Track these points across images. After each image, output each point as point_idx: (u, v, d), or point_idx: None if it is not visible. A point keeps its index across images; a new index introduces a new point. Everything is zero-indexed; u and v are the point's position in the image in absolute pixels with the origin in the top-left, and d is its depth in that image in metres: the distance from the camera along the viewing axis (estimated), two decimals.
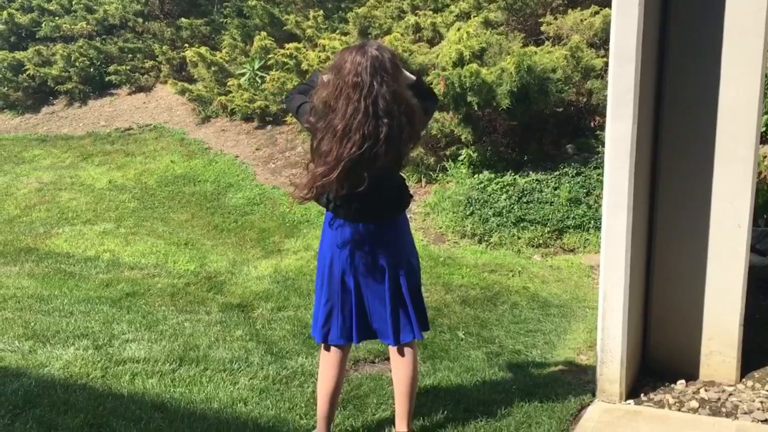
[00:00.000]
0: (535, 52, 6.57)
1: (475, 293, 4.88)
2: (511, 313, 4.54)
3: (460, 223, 5.99)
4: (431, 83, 6.06)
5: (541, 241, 5.66)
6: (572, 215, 5.76)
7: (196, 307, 4.82)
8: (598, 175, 6.05)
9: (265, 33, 9.15)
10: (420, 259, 5.50)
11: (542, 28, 7.45)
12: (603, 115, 6.91)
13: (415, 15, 8.20)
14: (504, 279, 5.09)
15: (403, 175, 2.93)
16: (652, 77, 3.46)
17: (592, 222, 5.68)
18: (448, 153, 7.02)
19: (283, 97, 2.94)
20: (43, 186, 8.03)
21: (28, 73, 10.58)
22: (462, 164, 6.73)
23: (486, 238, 5.80)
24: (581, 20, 7.15)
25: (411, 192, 2.99)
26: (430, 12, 8.23)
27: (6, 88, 10.63)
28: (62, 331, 4.24)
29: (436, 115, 6.75)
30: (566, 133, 6.96)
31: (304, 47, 8.66)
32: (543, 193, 6.03)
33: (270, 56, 8.60)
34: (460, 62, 6.54)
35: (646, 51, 3.20)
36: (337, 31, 9.02)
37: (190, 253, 6.05)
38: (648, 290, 3.75)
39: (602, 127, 6.77)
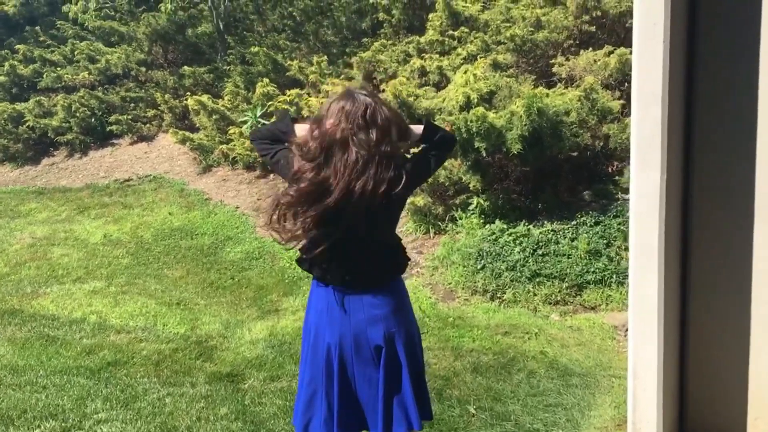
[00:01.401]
0: (547, 94, 6.21)
1: (487, 359, 4.42)
2: (527, 383, 4.07)
3: (471, 278, 5.55)
4: None
5: (558, 298, 5.20)
6: (592, 269, 5.30)
7: (181, 378, 4.40)
8: (619, 224, 5.62)
9: (267, 80, 8.89)
10: (428, 320, 5.09)
11: (554, 70, 7.10)
12: (621, 160, 6.50)
13: (421, 58, 7.90)
14: (519, 342, 4.63)
15: (398, 235, 2.54)
16: (680, 120, 3.06)
17: (615, 276, 5.21)
18: (457, 202, 6.63)
19: (250, 135, 2.54)
20: (35, 241, 7.71)
21: (27, 124, 10.38)
22: (472, 214, 6.32)
23: (499, 295, 5.36)
24: (595, 60, 6.80)
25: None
26: (437, 55, 7.93)
27: (6, 140, 10.43)
28: (30, 409, 3.84)
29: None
30: (582, 179, 6.54)
31: (308, 93, 8.37)
32: (559, 245, 5.59)
33: (271, 103, 8.32)
34: (467, 106, 6.19)
35: (673, 89, 2.81)
36: (342, 77, 8.74)
37: (181, 314, 5.64)
38: (683, 361, 3.29)
39: (621, 173, 6.36)
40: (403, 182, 2.22)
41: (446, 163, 6.40)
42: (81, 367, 4.60)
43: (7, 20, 14.40)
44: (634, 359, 2.95)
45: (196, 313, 5.65)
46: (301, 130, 2.37)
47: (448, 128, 5.85)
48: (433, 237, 6.46)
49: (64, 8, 12.55)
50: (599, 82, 6.46)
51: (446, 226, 6.50)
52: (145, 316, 5.65)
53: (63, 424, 3.65)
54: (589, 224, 5.76)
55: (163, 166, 9.48)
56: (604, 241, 5.54)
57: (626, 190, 5.95)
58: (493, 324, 4.95)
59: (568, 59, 7.07)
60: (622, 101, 6.36)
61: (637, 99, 2.80)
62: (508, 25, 7.73)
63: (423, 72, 7.63)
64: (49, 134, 10.38)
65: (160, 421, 3.70)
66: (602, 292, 5.16)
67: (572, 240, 5.62)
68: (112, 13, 12.19)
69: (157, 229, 7.70)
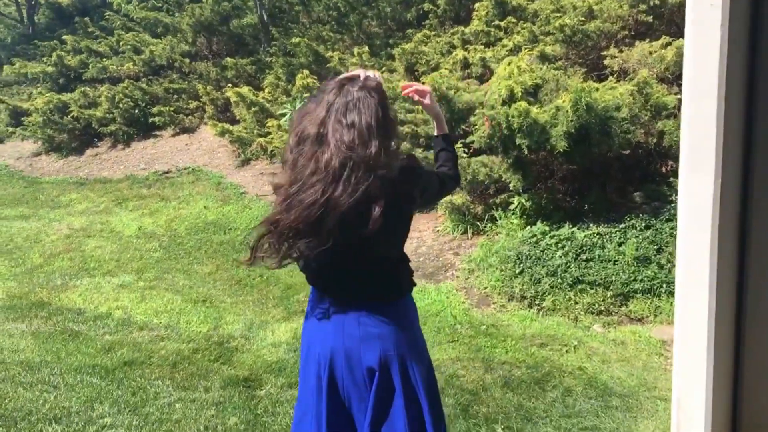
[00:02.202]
0: (597, 88, 5.80)
1: (520, 373, 4.08)
2: (562, 402, 3.73)
3: (508, 283, 5.21)
4: (475, 125, 5.36)
5: (602, 308, 4.81)
6: (640, 277, 4.90)
7: (195, 382, 4.20)
8: (671, 228, 5.20)
9: (307, 71, 8.67)
10: (459, 326, 4.78)
11: (605, 62, 6.67)
12: (676, 159, 6.03)
13: (465, 50, 7.56)
14: (556, 356, 4.28)
15: (405, 253, 2.23)
16: (739, 116, 2.68)
17: (665, 286, 4.81)
18: (497, 201, 6.28)
19: None
20: (72, 233, 7.67)
21: (72, 115, 10.41)
22: (513, 214, 5.97)
23: (537, 302, 5.00)
24: (650, 53, 6.35)
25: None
26: (481, 46, 7.57)
27: (51, 130, 10.48)
28: (36, 411, 3.69)
29: (484, 159, 6.04)
30: (633, 179, 6.11)
31: None
32: (605, 250, 5.20)
33: (307, 95, 8.09)
34: (510, 100, 5.83)
35: (731, 81, 2.43)
36: (384, 69, 8.46)
37: (206, 312, 5.47)
38: (736, 390, 2.91)
39: (676, 173, 5.90)
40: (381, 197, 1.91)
41: (486, 161, 6.07)
42: (97, 366, 4.45)
43: (61, 11, 14.60)
44: (678, 387, 2.59)
45: (221, 312, 5.47)
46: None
47: (486, 124, 5.52)
48: (471, 238, 6.13)
49: None
50: (654, 75, 6.02)
51: (485, 227, 6.17)
52: (170, 313, 5.50)
53: (66, 429, 3.49)
54: (638, 228, 5.35)
55: (202, 159, 9.38)
56: (655, 247, 5.13)
57: None
58: (528, 334, 4.61)
59: (621, 51, 6.63)
60: (678, 96, 5.89)
61: (689, 92, 2.43)
62: (558, 15, 7.33)
63: (466, 64, 7.29)
64: (93, 125, 10.40)
65: (165, 429, 3.51)
66: (650, 303, 4.76)
67: (619, 245, 5.22)
68: (159, 4, 12.17)
69: (191, 222, 7.57)
